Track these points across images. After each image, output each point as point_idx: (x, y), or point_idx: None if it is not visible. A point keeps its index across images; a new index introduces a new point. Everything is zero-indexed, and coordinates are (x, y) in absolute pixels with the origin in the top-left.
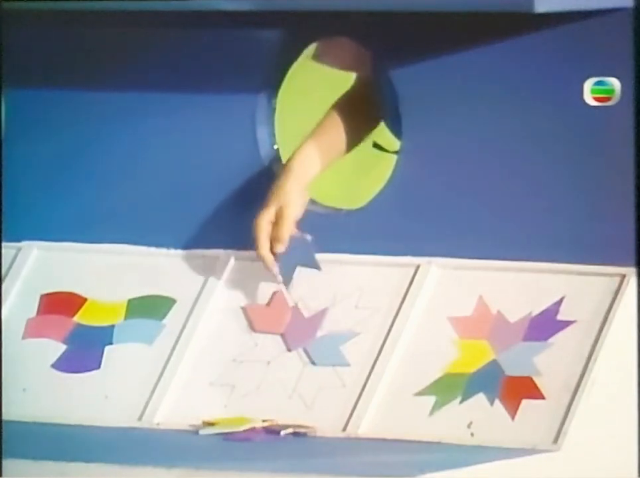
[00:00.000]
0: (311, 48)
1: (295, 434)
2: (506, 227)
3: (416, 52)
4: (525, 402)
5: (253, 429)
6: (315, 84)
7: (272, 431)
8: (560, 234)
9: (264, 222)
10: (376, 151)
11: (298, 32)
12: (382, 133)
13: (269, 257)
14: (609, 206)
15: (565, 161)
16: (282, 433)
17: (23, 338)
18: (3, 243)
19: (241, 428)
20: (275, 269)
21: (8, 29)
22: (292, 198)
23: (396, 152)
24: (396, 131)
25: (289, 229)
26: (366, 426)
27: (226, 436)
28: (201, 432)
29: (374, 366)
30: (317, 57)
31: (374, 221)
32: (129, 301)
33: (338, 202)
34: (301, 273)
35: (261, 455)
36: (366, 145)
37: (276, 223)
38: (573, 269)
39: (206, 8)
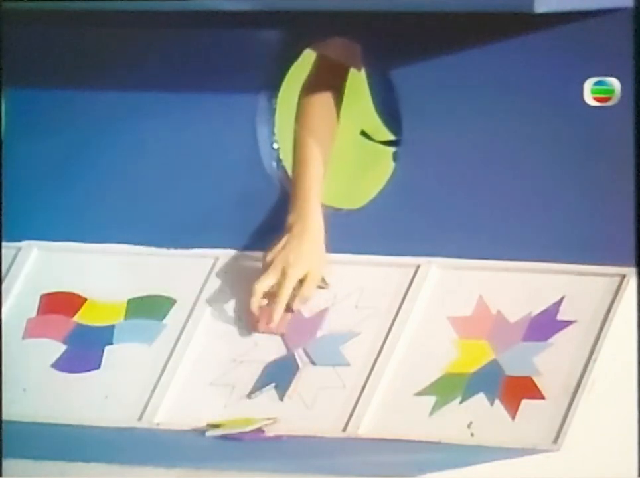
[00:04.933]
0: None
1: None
2: (506, 227)
3: (416, 52)
4: (525, 402)
5: (258, 430)
6: None
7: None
8: (560, 234)
9: (289, 288)
10: (362, 137)
11: (298, 32)
12: (372, 122)
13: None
14: (609, 206)
15: (565, 161)
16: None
17: (23, 338)
18: (3, 243)
19: (248, 429)
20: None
21: (9, 29)
22: (321, 261)
23: (383, 142)
24: (395, 129)
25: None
26: (366, 426)
27: (226, 436)
28: (207, 434)
29: (374, 366)
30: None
31: (374, 221)
32: (129, 301)
33: (338, 202)
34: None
35: (261, 455)
36: (365, 144)
37: (303, 282)
38: (573, 269)
39: (206, 8)
